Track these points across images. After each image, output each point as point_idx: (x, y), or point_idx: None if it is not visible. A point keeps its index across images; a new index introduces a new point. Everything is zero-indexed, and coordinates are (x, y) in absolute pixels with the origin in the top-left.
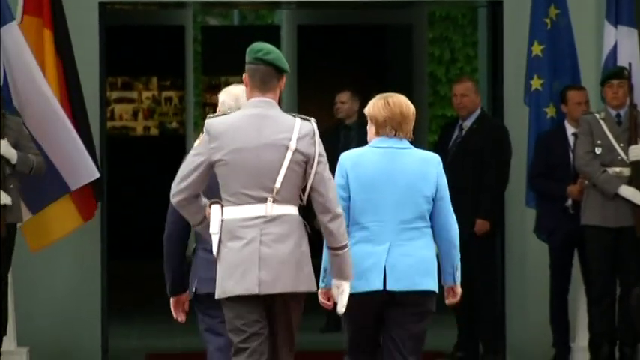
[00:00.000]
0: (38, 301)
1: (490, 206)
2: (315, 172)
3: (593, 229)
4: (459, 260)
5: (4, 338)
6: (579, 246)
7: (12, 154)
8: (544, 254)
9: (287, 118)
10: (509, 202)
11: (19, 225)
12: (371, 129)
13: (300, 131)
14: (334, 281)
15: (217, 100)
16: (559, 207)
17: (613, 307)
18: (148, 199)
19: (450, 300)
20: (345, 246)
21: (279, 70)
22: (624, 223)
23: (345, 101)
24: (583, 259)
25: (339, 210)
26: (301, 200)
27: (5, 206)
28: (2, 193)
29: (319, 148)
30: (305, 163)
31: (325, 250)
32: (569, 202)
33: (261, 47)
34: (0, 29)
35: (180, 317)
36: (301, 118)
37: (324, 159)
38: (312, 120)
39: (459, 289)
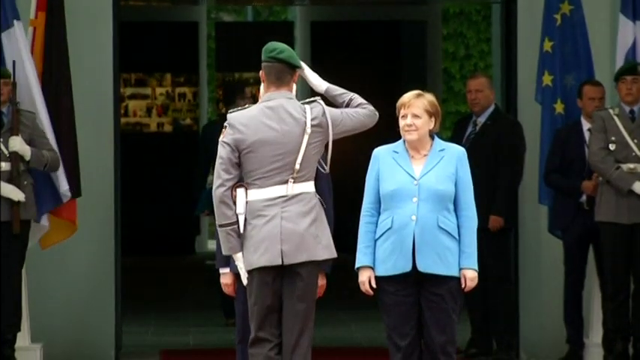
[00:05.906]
0: (52, 297)
1: (504, 202)
2: (340, 113)
3: (608, 225)
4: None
5: (18, 334)
6: (594, 242)
7: (26, 150)
8: (558, 250)
9: (299, 105)
10: (523, 199)
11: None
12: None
13: (312, 113)
14: None
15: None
16: (574, 203)
17: (627, 303)
18: (162, 194)
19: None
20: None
21: (291, 67)
22: (638, 219)
23: None
24: (598, 256)
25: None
26: (324, 169)
27: (19, 203)
28: (16, 189)
29: (331, 110)
30: (322, 134)
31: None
32: (584, 197)
33: (275, 46)
34: (4, 30)
35: None
36: (309, 102)
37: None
38: (318, 98)
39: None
